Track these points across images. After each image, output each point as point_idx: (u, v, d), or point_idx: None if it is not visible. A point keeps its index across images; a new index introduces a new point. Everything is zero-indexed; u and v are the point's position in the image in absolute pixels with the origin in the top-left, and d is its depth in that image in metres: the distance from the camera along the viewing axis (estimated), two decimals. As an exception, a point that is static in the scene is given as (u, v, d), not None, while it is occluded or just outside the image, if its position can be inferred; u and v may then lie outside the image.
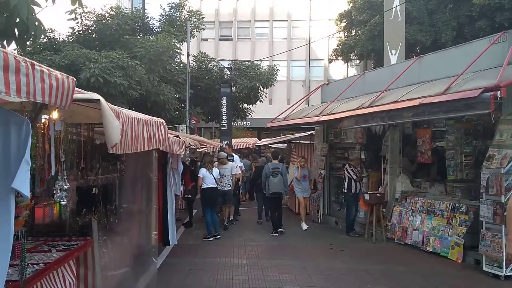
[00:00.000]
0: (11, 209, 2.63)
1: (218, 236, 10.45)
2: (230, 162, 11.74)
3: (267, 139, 24.71)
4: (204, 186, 10.49)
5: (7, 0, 3.56)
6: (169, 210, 8.33)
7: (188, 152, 12.67)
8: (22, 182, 2.58)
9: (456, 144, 9.53)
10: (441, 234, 8.88)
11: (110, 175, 6.07)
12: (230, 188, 11.41)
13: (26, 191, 2.63)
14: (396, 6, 16.58)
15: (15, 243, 3.76)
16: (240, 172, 12.43)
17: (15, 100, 2.61)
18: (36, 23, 4.27)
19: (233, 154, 13.79)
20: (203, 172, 10.58)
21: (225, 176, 11.28)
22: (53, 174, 3.93)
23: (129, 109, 5.30)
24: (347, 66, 32.82)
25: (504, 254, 7.06)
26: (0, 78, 2.05)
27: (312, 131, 14.80)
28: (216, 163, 11.67)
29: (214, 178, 10.57)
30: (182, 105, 18.96)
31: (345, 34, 26.51)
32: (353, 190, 10.84)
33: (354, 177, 10.82)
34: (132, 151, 4.00)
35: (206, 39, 35.57)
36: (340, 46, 26.08)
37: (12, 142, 2.62)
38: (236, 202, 13.18)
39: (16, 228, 3.59)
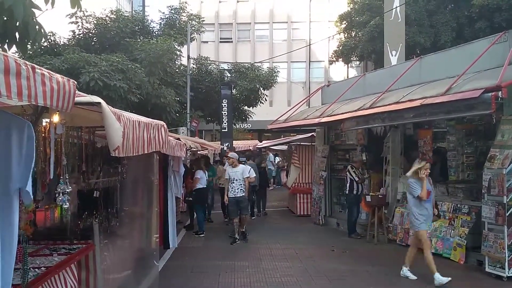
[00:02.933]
0: (15, 212, 2.63)
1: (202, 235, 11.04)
2: (241, 164, 10.57)
3: (268, 141, 24.72)
4: (199, 186, 11.16)
5: (1, 1, 3.55)
6: (169, 213, 8.33)
7: (189, 154, 12.66)
8: (29, 185, 2.60)
9: (457, 145, 9.52)
10: (443, 235, 8.86)
11: (111, 178, 6.06)
12: (243, 194, 10.23)
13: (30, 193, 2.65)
14: (396, 7, 16.60)
15: (17, 247, 3.75)
16: (255, 174, 11.19)
17: (16, 104, 2.61)
18: (37, 27, 4.28)
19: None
20: (201, 173, 11.24)
21: (236, 180, 10.22)
22: (51, 177, 3.92)
23: (129, 112, 5.29)
24: (348, 67, 32.87)
25: (506, 255, 7.05)
26: (1, 81, 2.04)
27: (313, 133, 14.79)
28: (227, 166, 11.17)
29: (206, 179, 11.44)
30: (184, 105, 18.98)
31: (345, 35, 26.55)
32: (354, 192, 10.83)
33: (356, 178, 10.81)
34: (134, 154, 3.99)
35: (206, 42, 35.62)
36: (340, 48, 26.13)
37: (14, 145, 2.61)
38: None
39: (28, 232, 3.60)
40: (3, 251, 2.57)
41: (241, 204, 10.25)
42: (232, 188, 10.18)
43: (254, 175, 10.97)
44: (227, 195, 10.32)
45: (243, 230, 10.37)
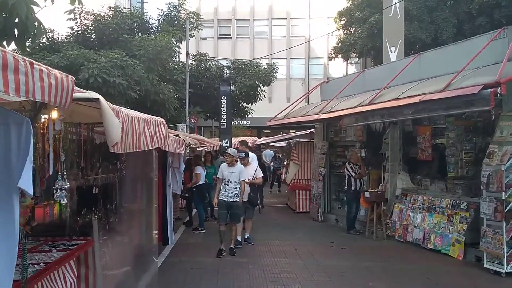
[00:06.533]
0: (15, 208, 2.63)
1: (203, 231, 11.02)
2: (238, 164, 8.93)
3: (267, 138, 24.72)
4: (200, 182, 11.16)
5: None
6: (167, 210, 8.33)
7: (188, 151, 12.66)
8: (27, 181, 2.59)
9: (456, 141, 9.53)
10: (441, 231, 8.88)
11: (110, 174, 6.06)
12: (237, 200, 8.67)
13: (30, 189, 2.64)
14: (396, 3, 16.58)
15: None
16: (262, 174, 10.03)
17: (14, 100, 2.61)
18: (36, 23, 4.28)
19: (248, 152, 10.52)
20: (200, 169, 11.22)
21: (230, 182, 8.64)
22: (50, 173, 3.92)
23: (129, 108, 5.30)
24: (347, 64, 32.83)
25: (504, 251, 7.07)
26: (-1, 77, 2.04)
27: (312, 129, 14.80)
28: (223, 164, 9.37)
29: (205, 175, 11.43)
30: (183, 102, 18.96)
31: (345, 32, 26.48)
32: (353, 188, 10.84)
33: (353, 174, 10.83)
34: (135, 150, 3.99)
35: (205, 38, 35.53)
36: (339, 44, 26.07)
37: (13, 141, 2.61)
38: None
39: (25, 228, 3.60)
40: (4, 247, 2.57)
41: (233, 210, 8.71)
42: (225, 190, 8.66)
43: (261, 175, 9.94)
44: (217, 197, 8.83)
45: (232, 246, 8.86)
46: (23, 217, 3.70)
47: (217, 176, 9.14)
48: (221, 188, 8.74)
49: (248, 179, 9.22)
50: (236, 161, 8.91)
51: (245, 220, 9.62)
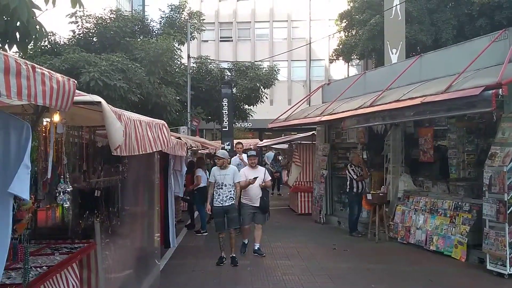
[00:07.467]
0: (9, 212, 2.62)
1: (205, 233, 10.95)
2: (231, 166, 8.61)
3: (269, 140, 24.69)
4: (201, 185, 11.12)
5: (7, 3, 3.56)
6: (169, 212, 8.33)
7: (189, 153, 12.66)
8: (21, 186, 2.58)
9: (458, 143, 9.53)
10: (444, 233, 8.86)
11: (112, 177, 6.06)
12: (233, 203, 8.19)
13: (26, 195, 2.64)
14: (396, 5, 16.60)
15: (18, 246, 3.77)
16: (270, 178, 9.24)
17: (16, 103, 2.61)
18: (37, 27, 4.29)
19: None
20: (201, 172, 11.26)
21: (224, 186, 8.16)
22: (49, 176, 3.92)
23: (130, 111, 5.30)
24: (348, 66, 32.84)
25: (507, 252, 7.05)
26: (1, 81, 2.04)
27: (313, 131, 14.79)
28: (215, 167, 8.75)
29: (207, 178, 11.11)
30: (185, 104, 18.99)
31: (346, 34, 26.52)
32: (355, 190, 10.83)
33: (355, 176, 10.82)
34: (139, 153, 3.99)
35: (207, 41, 35.62)
36: (340, 46, 26.10)
37: (12, 146, 2.62)
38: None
39: (19, 231, 3.60)
40: None
41: (230, 214, 8.19)
42: (219, 195, 8.16)
43: (270, 178, 9.15)
44: (210, 203, 8.39)
45: (233, 255, 8.28)
46: (24, 219, 3.70)
47: (209, 180, 8.68)
48: (214, 192, 8.24)
49: (263, 183, 8.65)
50: (229, 163, 8.62)
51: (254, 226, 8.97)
